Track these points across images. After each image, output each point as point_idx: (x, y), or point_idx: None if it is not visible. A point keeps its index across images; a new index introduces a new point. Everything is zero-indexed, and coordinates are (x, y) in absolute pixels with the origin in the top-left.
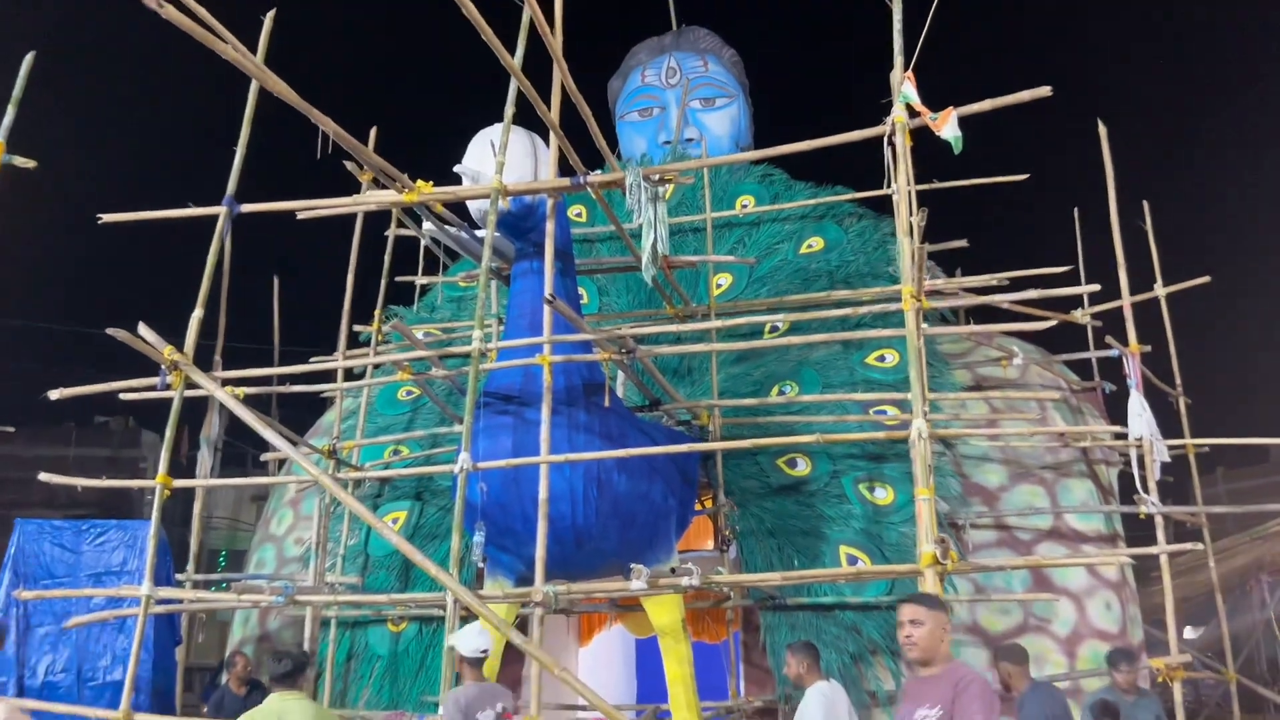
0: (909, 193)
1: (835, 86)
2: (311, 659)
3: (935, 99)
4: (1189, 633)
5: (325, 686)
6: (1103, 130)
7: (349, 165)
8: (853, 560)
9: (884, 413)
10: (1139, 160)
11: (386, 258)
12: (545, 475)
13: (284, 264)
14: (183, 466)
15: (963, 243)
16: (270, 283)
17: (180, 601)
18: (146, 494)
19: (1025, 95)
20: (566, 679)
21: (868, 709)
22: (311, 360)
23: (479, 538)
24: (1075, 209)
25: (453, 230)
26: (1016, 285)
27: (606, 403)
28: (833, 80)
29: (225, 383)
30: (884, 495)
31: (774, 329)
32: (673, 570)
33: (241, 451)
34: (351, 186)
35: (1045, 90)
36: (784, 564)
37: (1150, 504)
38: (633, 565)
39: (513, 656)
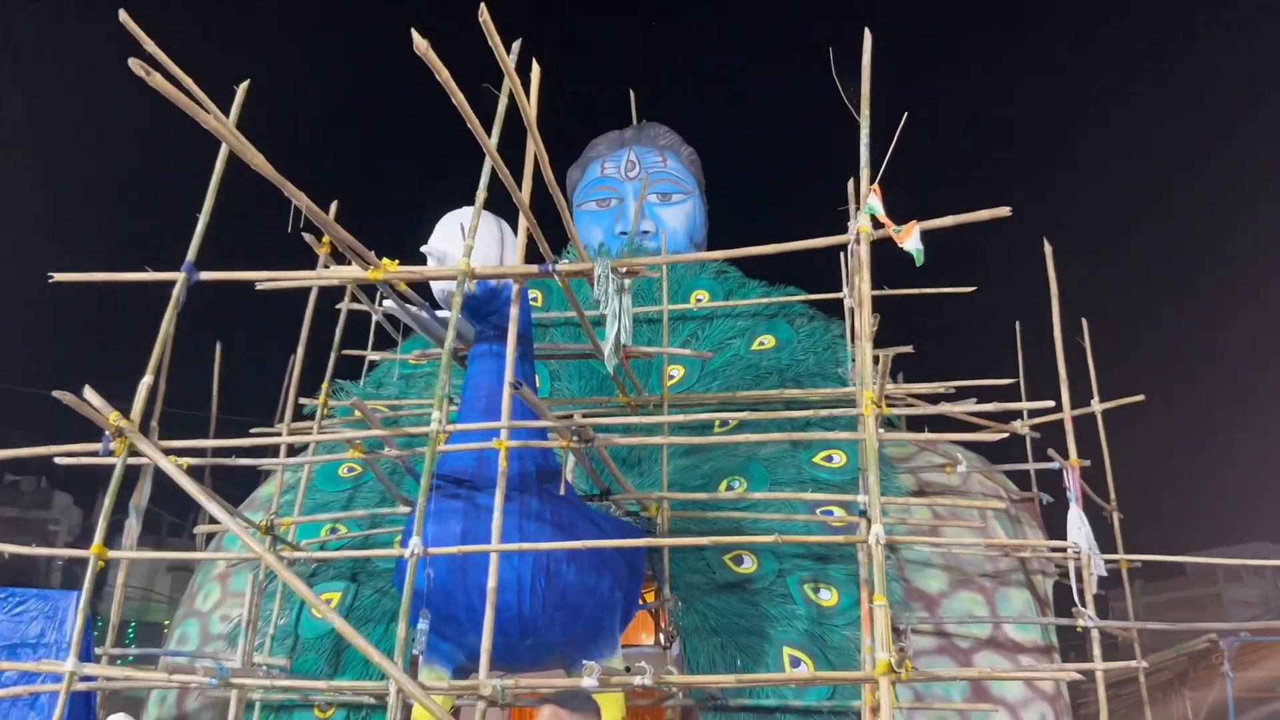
0: (869, 301)
1: (791, 187)
2: None
3: (889, 210)
4: None
5: None
6: (1048, 249)
7: (306, 236)
8: (795, 662)
9: (830, 513)
10: (1081, 278)
11: (338, 332)
12: (495, 563)
13: (227, 330)
14: (92, 531)
15: (909, 349)
16: (211, 348)
17: (95, 679)
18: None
19: (984, 214)
20: None
21: None
22: (253, 432)
23: (423, 625)
24: (1017, 322)
25: (414, 309)
26: (962, 394)
27: (561, 491)
28: (789, 181)
29: (168, 452)
30: (828, 597)
31: (724, 424)
32: (628, 669)
33: (158, 519)
34: (307, 255)
35: (1005, 210)
36: (726, 663)
37: (1088, 618)
38: (585, 661)
39: None
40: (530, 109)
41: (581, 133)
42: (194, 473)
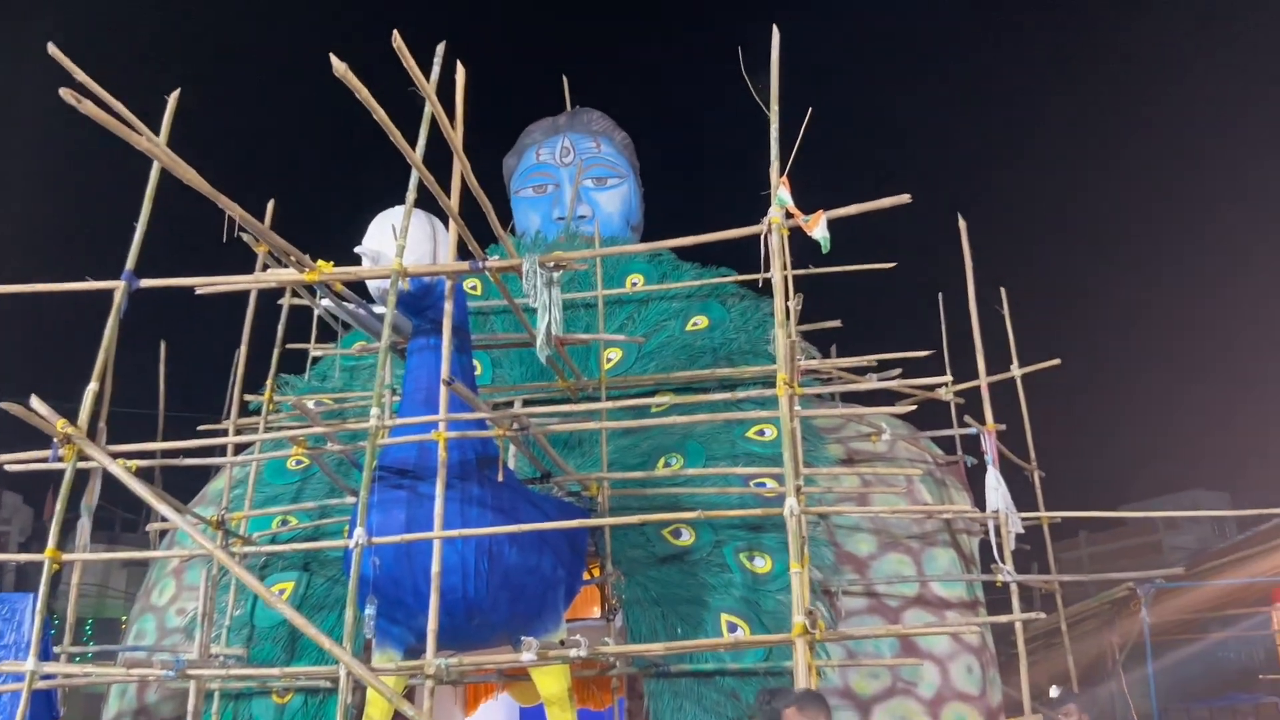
0: (785, 284)
1: (721, 167)
2: None
3: (810, 194)
4: (1054, 690)
5: None
6: (962, 225)
7: (245, 237)
8: (733, 628)
9: (764, 485)
10: (998, 248)
11: (280, 328)
12: (438, 549)
13: (170, 329)
14: (44, 531)
15: (836, 323)
16: (155, 347)
17: (56, 676)
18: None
19: (887, 202)
20: None
21: None
22: (200, 429)
23: (370, 610)
24: (940, 294)
25: (350, 307)
26: (886, 365)
27: (500, 477)
28: (719, 161)
29: (116, 455)
30: (762, 564)
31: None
32: (561, 642)
33: (110, 515)
34: (246, 254)
35: (905, 197)
36: (668, 632)
37: (1006, 573)
38: (523, 638)
39: None
40: (455, 133)
41: (517, 112)
42: (144, 472)
